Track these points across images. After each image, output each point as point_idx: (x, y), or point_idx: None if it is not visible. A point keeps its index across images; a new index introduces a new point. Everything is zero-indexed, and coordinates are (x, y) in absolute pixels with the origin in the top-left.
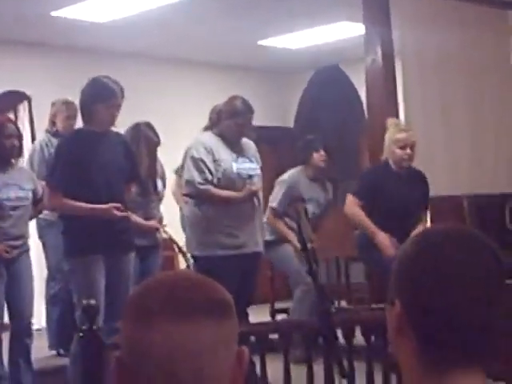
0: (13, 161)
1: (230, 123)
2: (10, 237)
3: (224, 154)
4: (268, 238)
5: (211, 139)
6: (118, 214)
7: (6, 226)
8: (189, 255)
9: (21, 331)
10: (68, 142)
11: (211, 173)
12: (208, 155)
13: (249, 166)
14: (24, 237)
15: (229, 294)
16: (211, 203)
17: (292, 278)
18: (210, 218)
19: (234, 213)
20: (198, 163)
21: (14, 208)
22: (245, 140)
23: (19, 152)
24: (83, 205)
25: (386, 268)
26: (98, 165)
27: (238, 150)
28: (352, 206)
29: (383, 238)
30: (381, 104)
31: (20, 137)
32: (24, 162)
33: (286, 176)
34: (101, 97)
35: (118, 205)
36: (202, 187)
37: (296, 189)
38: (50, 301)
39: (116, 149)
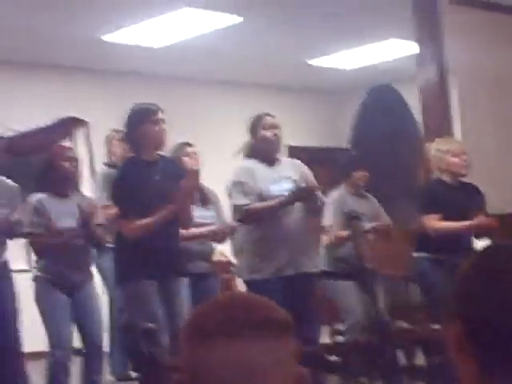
0: (73, 186)
1: (260, 133)
2: (71, 266)
3: (263, 176)
4: (324, 268)
5: (250, 162)
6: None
7: (68, 255)
8: None
9: (93, 355)
10: (122, 172)
11: (254, 196)
12: (247, 176)
13: (289, 187)
14: (85, 266)
15: (287, 313)
16: (260, 222)
17: (342, 314)
18: (256, 242)
19: (280, 235)
20: (238, 187)
21: (75, 237)
22: (293, 161)
23: (79, 176)
24: (150, 219)
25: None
26: (151, 194)
27: (279, 171)
28: (432, 224)
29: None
30: (436, 122)
31: (78, 161)
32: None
33: (331, 197)
34: (144, 116)
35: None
36: (246, 208)
37: (344, 207)
38: (120, 328)
39: (167, 175)
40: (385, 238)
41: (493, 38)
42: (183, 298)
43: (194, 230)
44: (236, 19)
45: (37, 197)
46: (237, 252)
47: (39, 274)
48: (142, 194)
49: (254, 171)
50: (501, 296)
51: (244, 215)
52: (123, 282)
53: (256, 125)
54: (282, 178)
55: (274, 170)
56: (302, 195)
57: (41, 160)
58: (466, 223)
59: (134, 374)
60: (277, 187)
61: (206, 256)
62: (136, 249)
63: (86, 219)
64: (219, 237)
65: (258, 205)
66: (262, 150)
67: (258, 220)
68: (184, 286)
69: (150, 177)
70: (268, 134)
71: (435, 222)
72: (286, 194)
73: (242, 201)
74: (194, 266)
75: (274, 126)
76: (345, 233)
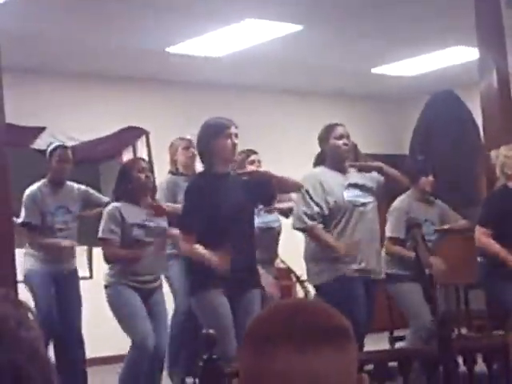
0: (147, 194)
1: (331, 142)
2: (144, 272)
3: (335, 184)
4: (389, 271)
5: (322, 171)
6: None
7: (143, 262)
8: (307, 284)
9: (155, 359)
10: (194, 187)
11: (319, 205)
12: (317, 187)
13: (359, 194)
14: (157, 272)
15: (347, 319)
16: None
17: (409, 317)
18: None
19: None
20: (305, 197)
21: (149, 243)
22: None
23: (153, 185)
24: (205, 255)
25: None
26: (224, 207)
27: (349, 178)
28: (483, 237)
29: None
30: (497, 128)
31: (152, 171)
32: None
33: (396, 204)
34: (218, 130)
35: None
36: (309, 223)
37: (409, 213)
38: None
39: (237, 189)
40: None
41: None
42: (252, 312)
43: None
44: (296, 27)
45: (114, 206)
46: (307, 258)
47: (112, 279)
48: (214, 206)
49: (326, 179)
50: None
51: (306, 229)
52: (196, 292)
53: (327, 134)
54: (353, 185)
55: (344, 177)
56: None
57: (109, 168)
58: (507, 256)
59: (189, 380)
60: (349, 193)
61: (272, 261)
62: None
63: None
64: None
65: (320, 232)
66: (333, 158)
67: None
68: (255, 299)
69: (222, 189)
70: (339, 142)
71: (484, 237)
72: (361, 200)
73: (305, 214)
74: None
75: (343, 136)
76: (407, 252)
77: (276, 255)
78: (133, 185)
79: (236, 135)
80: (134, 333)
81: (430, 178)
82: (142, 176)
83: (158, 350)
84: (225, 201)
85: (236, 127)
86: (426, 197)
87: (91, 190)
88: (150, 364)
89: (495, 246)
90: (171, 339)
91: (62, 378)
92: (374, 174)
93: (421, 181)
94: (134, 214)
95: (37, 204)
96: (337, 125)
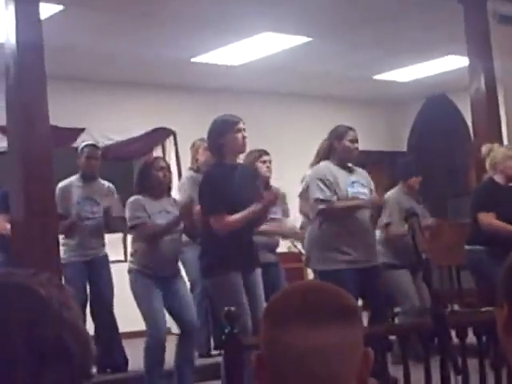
0: (165, 191)
1: (345, 144)
2: (163, 261)
3: (341, 179)
4: (384, 260)
5: (330, 165)
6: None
7: (160, 250)
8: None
9: (188, 335)
10: (210, 174)
11: (331, 190)
12: (328, 177)
13: (362, 190)
14: (176, 259)
15: (355, 300)
16: (335, 219)
17: (399, 299)
18: (330, 236)
19: (351, 231)
20: (318, 183)
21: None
22: (362, 170)
23: (170, 183)
24: (240, 215)
25: (494, 279)
26: (235, 193)
27: (353, 176)
28: (487, 219)
29: None
30: (485, 128)
31: (170, 170)
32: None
33: (388, 196)
34: (228, 126)
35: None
36: (322, 206)
37: (400, 204)
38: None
39: (246, 179)
40: (435, 233)
41: None
42: (262, 287)
43: (265, 227)
44: (305, 39)
45: (135, 197)
46: (310, 245)
47: (134, 266)
48: (227, 193)
49: (333, 173)
50: None
51: (322, 212)
52: (212, 274)
53: (342, 135)
54: (357, 182)
55: (349, 175)
56: (374, 205)
57: (138, 168)
58: None
59: (214, 352)
60: (354, 190)
61: (272, 248)
62: (225, 243)
63: (182, 215)
64: (288, 235)
65: (337, 205)
66: (343, 157)
67: (334, 217)
68: (259, 276)
69: (234, 178)
70: (352, 146)
71: (491, 219)
72: (362, 196)
73: (321, 196)
74: (261, 257)
75: (356, 140)
76: (402, 230)
77: (278, 243)
78: (151, 182)
79: (244, 129)
80: (148, 322)
81: (419, 178)
82: (160, 174)
83: (189, 324)
84: (235, 189)
85: (243, 123)
86: (413, 193)
87: (117, 195)
88: (185, 337)
89: (507, 226)
90: None
91: (99, 348)
92: (367, 175)
93: (410, 180)
94: (152, 208)
95: (65, 196)
96: (351, 129)
